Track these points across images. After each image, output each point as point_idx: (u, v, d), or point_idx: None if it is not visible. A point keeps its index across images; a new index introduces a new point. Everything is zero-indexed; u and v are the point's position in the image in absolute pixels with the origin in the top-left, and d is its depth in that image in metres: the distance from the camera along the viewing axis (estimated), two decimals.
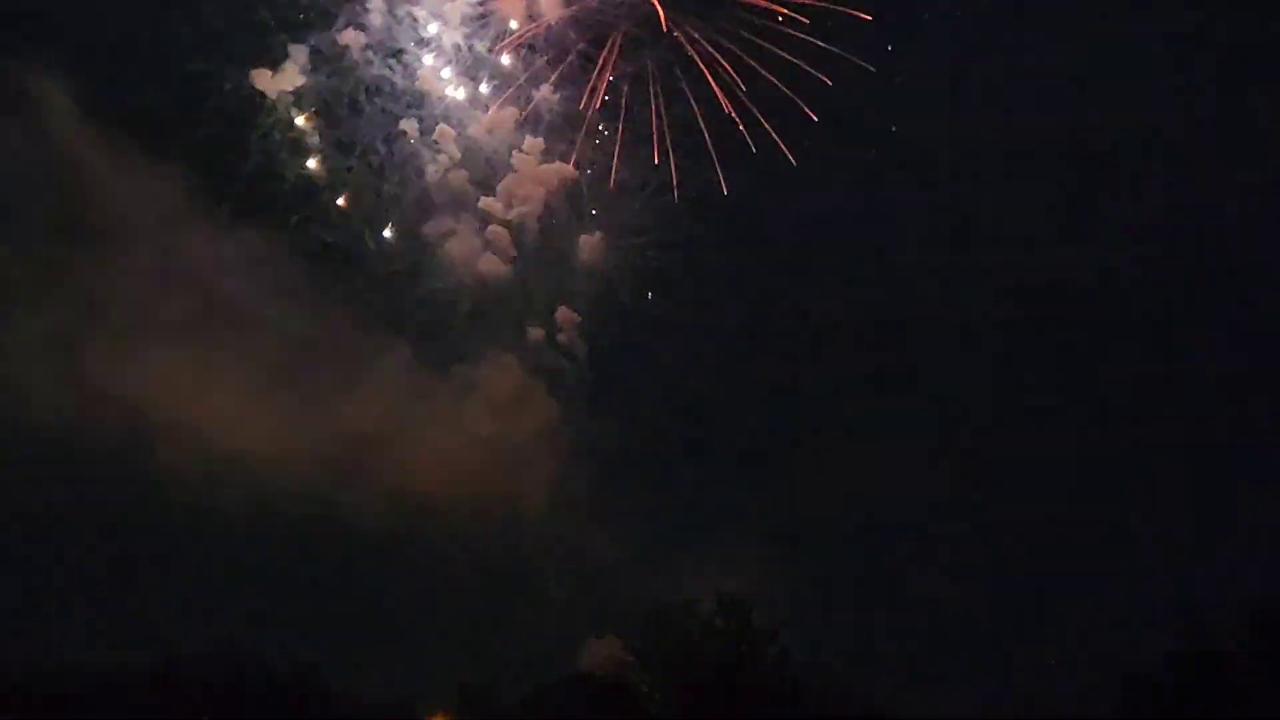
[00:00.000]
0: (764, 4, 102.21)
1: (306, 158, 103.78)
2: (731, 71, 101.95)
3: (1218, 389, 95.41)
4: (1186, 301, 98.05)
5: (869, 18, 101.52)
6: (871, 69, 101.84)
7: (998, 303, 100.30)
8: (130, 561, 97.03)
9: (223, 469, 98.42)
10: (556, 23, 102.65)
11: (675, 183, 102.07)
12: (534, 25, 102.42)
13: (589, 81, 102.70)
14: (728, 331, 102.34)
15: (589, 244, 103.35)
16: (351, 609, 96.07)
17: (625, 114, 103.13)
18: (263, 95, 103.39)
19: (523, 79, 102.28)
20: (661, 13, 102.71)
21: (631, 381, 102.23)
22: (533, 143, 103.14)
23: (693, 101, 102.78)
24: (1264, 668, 69.29)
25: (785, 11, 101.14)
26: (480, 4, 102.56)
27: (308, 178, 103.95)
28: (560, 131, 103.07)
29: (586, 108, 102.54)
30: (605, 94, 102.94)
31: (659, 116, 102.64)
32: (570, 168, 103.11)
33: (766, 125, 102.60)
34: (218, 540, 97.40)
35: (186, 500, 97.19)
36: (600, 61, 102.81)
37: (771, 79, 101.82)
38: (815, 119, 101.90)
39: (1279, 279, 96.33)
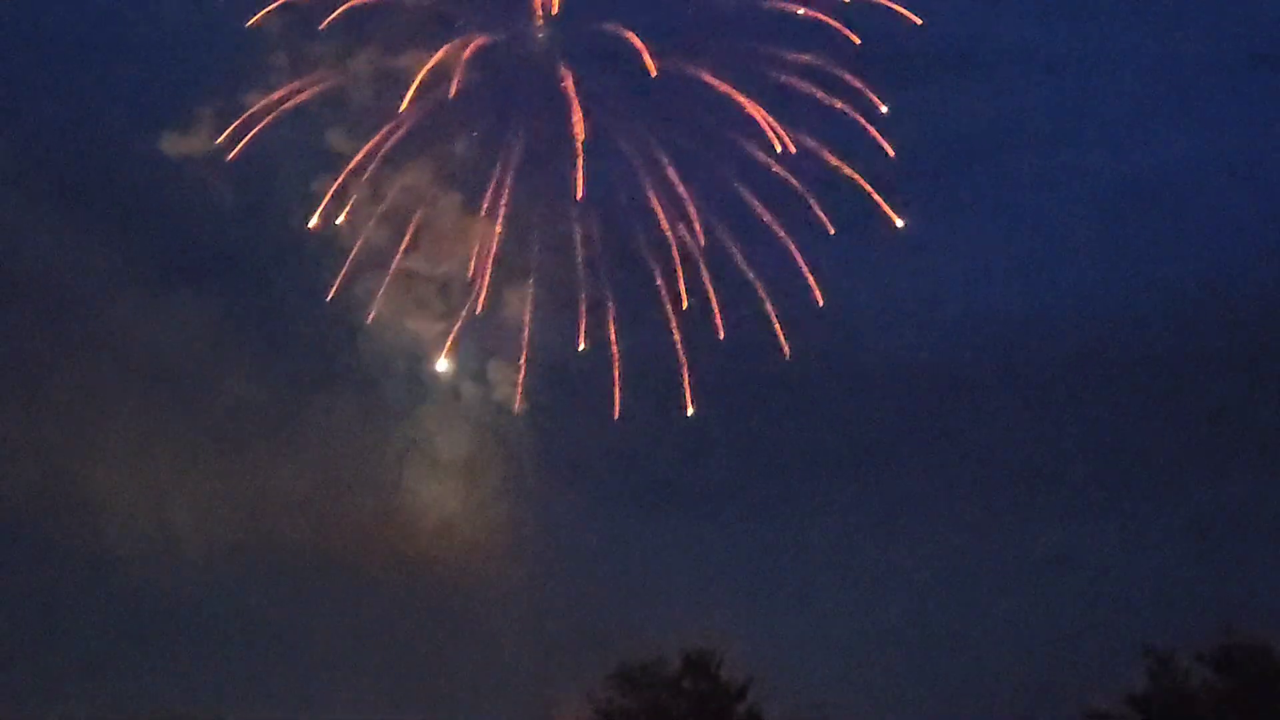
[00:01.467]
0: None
1: (223, 221, 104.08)
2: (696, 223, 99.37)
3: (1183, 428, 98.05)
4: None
5: (893, 154, 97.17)
6: (898, 222, 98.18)
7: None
8: (76, 639, 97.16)
9: (165, 538, 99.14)
10: (464, 84, 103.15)
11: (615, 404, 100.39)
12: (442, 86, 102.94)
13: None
14: (670, 379, 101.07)
15: (517, 296, 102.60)
16: (308, 675, 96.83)
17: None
18: (174, 158, 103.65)
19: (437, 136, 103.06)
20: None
21: (575, 434, 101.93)
22: (450, 197, 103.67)
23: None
24: (1227, 707, 71.14)
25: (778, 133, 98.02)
26: (386, 61, 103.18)
27: (226, 241, 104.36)
28: (478, 186, 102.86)
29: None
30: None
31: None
32: (491, 221, 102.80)
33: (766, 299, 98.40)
34: (164, 611, 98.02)
35: (129, 571, 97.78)
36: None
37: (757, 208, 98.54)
38: (820, 303, 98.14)
39: None
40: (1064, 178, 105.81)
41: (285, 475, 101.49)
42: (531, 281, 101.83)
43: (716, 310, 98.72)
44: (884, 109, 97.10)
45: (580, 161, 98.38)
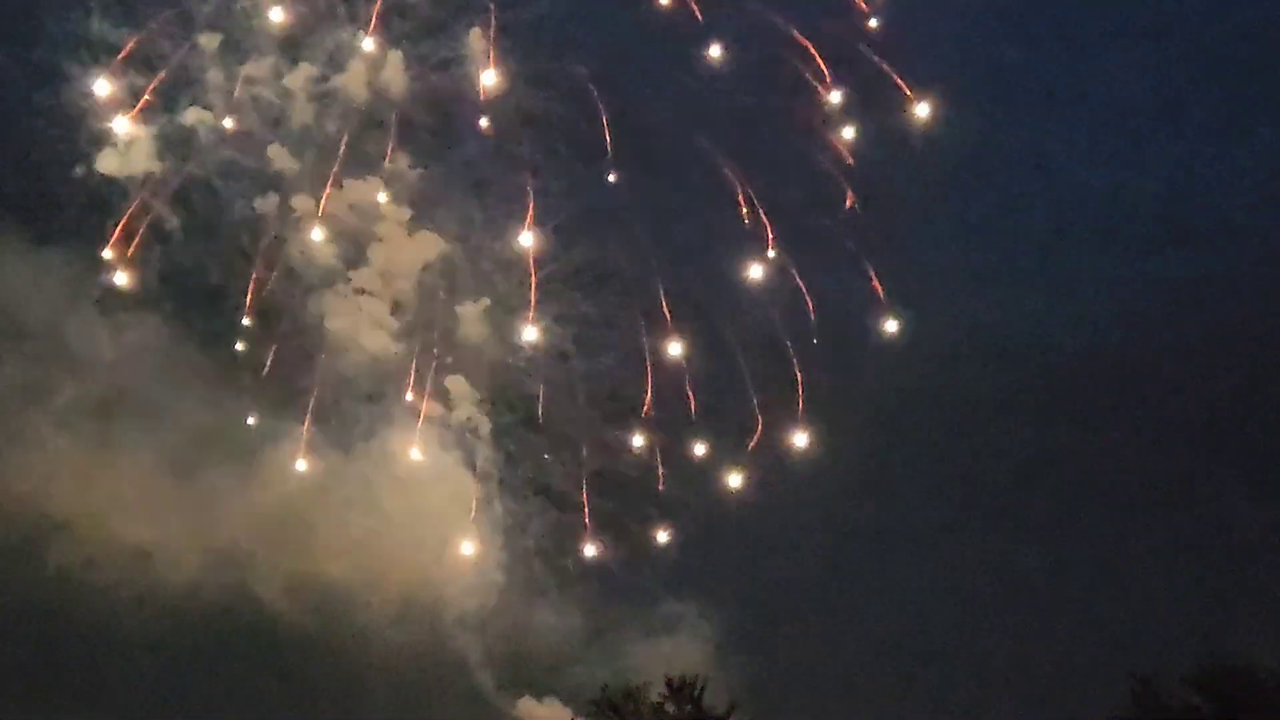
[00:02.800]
0: None
1: (169, 242, 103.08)
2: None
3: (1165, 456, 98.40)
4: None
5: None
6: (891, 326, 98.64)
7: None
8: (27, 664, 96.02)
9: (123, 564, 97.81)
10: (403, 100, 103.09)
11: None
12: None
13: None
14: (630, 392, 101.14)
15: (472, 313, 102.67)
16: (271, 705, 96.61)
17: None
18: (113, 180, 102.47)
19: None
20: None
21: (539, 453, 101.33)
22: (397, 212, 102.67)
23: None
24: None
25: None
26: (323, 81, 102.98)
27: (175, 263, 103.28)
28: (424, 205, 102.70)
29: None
30: None
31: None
32: (440, 238, 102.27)
33: None
34: (120, 639, 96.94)
35: (85, 598, 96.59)
36: None
37: None
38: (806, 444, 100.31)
39: None
40: (1050, 197, 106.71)
41: (246, 499, 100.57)
42: (488, 301, 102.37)
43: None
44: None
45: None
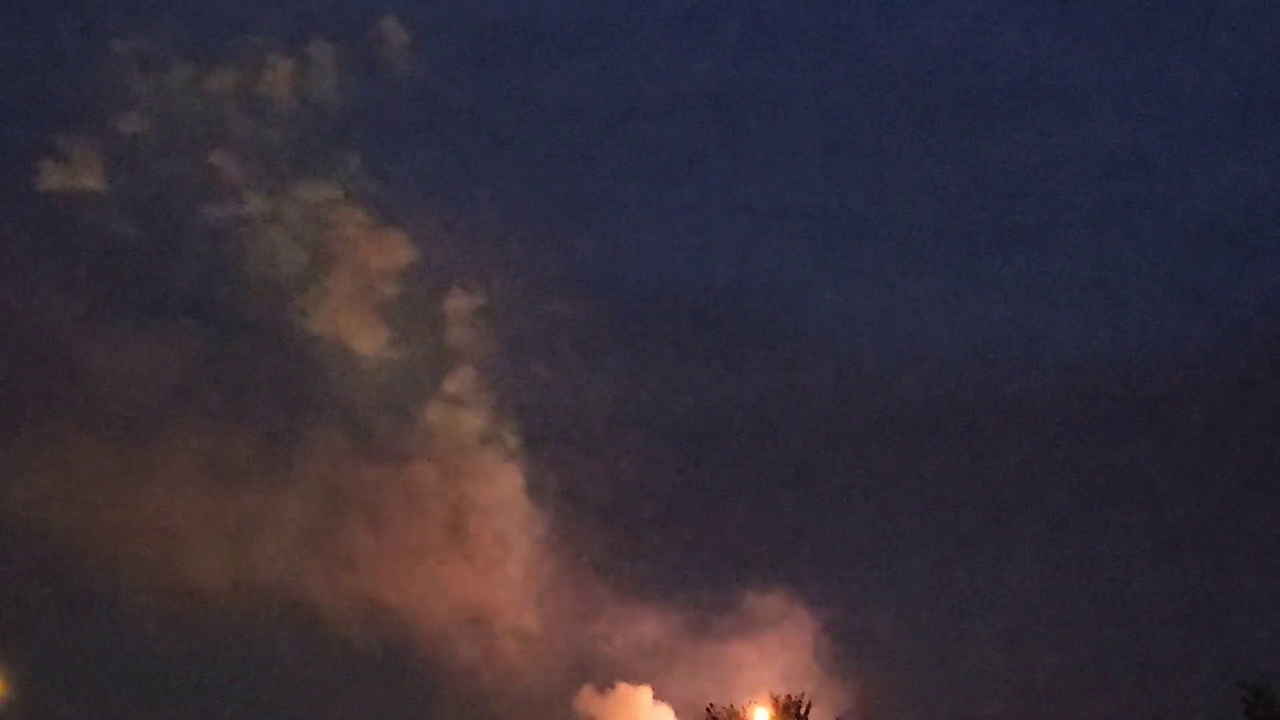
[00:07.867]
0: None
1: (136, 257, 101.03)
2: None
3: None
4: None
5: None
6: None
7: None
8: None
9: (178, 595, 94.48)
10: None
11: None
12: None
13: None
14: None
15: (461, 305, 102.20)
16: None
17: None
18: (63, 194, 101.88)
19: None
20: None
21: (571, 455, 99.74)
22: (351, 213, 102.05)
23: None
24: None
25: None
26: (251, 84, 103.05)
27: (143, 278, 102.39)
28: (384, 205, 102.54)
29: None
30: None
31: None
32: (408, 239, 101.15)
33: None
34: (180, 675, 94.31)
35: (147, 635, 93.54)
36: None
37: None
38: None
39: None
40: (1130, 210, 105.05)
41: (277, 517, 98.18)
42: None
43: None
44: None
45: None
